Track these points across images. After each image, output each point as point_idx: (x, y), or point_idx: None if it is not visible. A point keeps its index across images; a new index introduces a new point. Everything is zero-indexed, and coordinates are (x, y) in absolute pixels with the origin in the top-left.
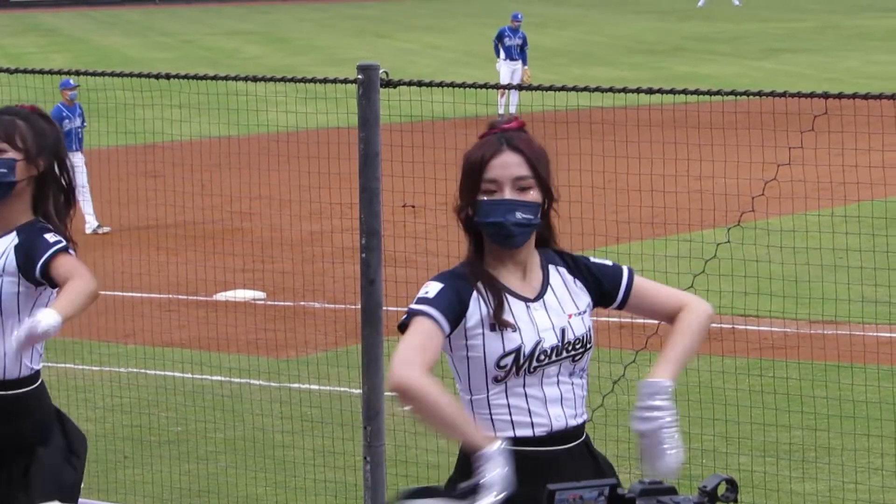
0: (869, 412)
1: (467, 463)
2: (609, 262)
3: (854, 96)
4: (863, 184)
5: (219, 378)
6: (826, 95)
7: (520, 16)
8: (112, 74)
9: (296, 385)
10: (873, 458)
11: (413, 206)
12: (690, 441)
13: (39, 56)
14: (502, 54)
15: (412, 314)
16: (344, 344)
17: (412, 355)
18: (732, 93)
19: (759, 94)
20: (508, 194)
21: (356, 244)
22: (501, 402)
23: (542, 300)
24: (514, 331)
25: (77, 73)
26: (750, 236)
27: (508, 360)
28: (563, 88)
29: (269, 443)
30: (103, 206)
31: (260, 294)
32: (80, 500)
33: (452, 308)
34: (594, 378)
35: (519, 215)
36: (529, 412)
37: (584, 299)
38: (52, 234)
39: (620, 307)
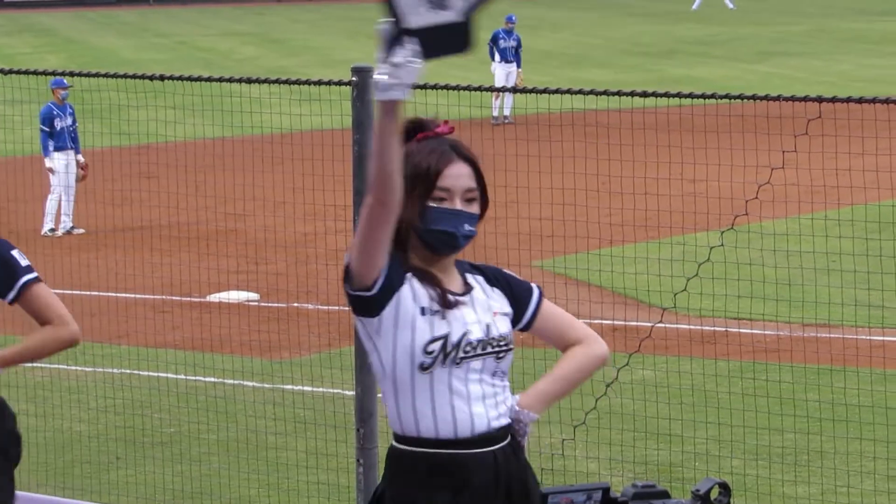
0: (861, 416)
1: (395, 469)
2: (521, 279)
3: (848, 100)
4: (856, 187)
5: (212, 379)
6: (820, 99)
7: (514, 18)
8: (106, 75)
9: (289, 386)
10: (866, 461)
11: None
12: (683, 444)
13: (34, 56)
14: (497, 56)
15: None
16: (337, 346)
17: None
18: (726, 96)
19: (753, 97)
20: (459, 205)
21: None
22: (425, 394)
23: (469, 294)
24: (443, 318)
25: (71, 74)
26: (743, 239)
27: (436, 346)
28: (557, 91)
29: (262, 444)
30: (97, 206)
31: (253, 295)
32: (72, 501)
33: (391, 270)
34: (587, 382)
35: (467, 227)
36: (453, 408)
37: (505, 305)
38: (16, 250)
39: (525, 329)
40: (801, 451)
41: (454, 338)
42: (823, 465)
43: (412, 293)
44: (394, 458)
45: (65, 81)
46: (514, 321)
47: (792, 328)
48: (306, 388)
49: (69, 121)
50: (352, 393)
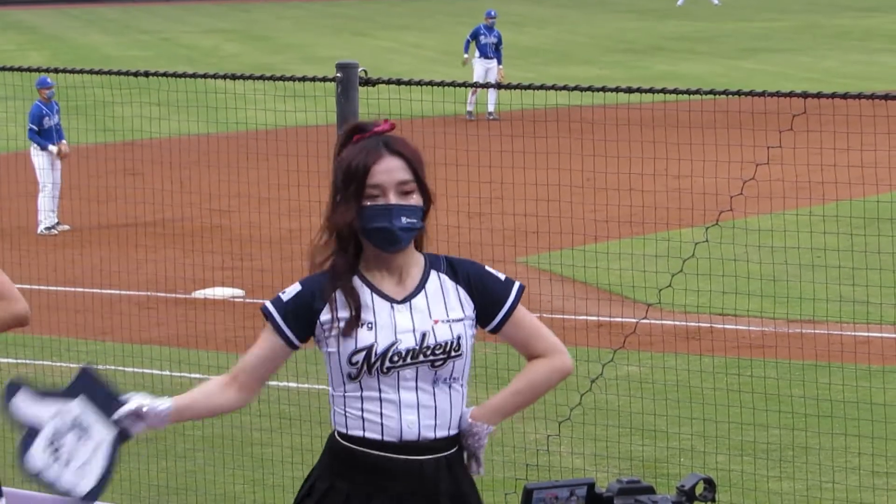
0: (847, 411)
1: (327, 461)
2: (501, 277)
3: (833, 96)
4: (841, 183)
5: (197, 375)
6: (805, 95)
7: (493, 13)
8: (90, 72)
9: (274, 383)
10: (851, 457)
11: None
12: (668, 440)
13: (17, 53)
14: (476, 53)
15: (266, 315)
16: None
17: (236, 368)
18: (711, 92)
19: (738, 93)
20: (393, 199)
21: None
22: (356, 401)
23: (409, 303)
24: (370, 329)
25: (55, 71)
26: (728, 235)
27: (359, 356)
28: (542, 87)
29: (247, 440)
30: (81, 203)
31: (238, 292)
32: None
33: (298, 314)
34: (572, 377)
35: (404, 220)
36: (381, 414)
37: (463, 308)
38: None
39: (493, 332)
40: (786, 446)
41: (380, 348)
42: (808, 461)
43: (334, 310)
44: (329, 446)
45: (48, 80)
46: (484, 322)
47: (777, 324)
48: (291, 385)
49: (56, 118)
50: None
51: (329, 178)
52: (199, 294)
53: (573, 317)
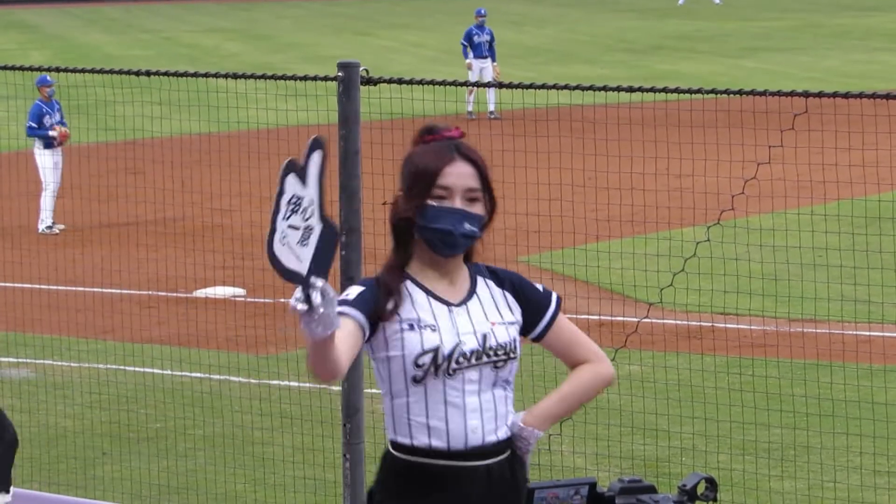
0: (848, 411)
1: (387, 475)
2: (539, 287)
3: (834, 95)
4: (842, 182)
5: (198, 375)
6: (806, 94)
7: (483, 11)
8: (92, 71)
9: (275, 382)
10: (852, 456)
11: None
12: (670, 439)
13: (19, 53)
14: (470, 54)
15: (342, 313)
16: None
17: None
18: (713, 91)
19: (740, 92)
20: (459, 203)
21: None
22: (420, 406)
23: (465, 306)
24: (434, 331)
25: (57, 70)
26: (730, 234)
27: (426, 358)
28: (543, 86)
29: (249, 439)
30: (83, 202)
31: (240, 291)
32: (58, 497)
33: (369, 307)
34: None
35: (467, 226)
36: (446, 420)
37: (513, 312)
38: None
39: (536, 340)
40: (787, 446)
41: (446, 350)
42: (810, 460)
43: (401, 309)
44: (387, 464)
45: (48, 78)
46: (526, 330)
47: (778, 323)
48: (293, 384)
49: (57, 117)
50: (338, 388)
51: (331, 178)
52: (201, 293)
53: (574, 316)
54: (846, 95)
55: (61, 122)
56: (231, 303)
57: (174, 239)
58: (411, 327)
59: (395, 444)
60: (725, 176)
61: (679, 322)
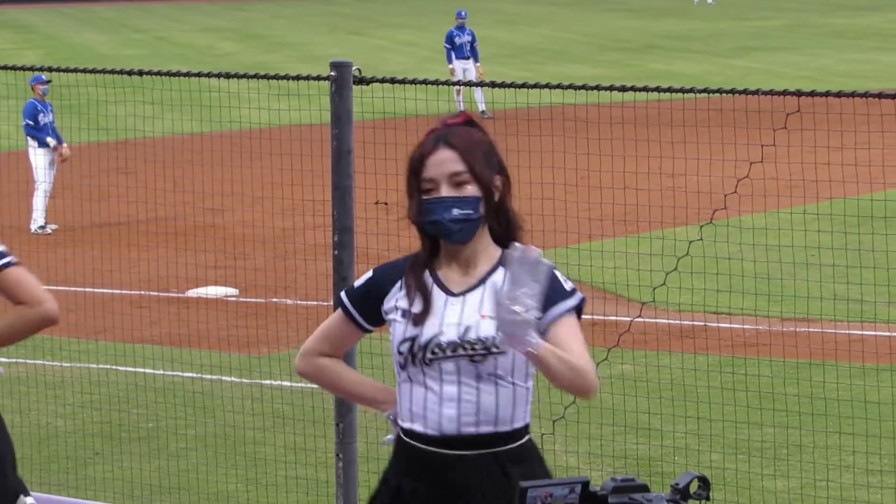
0: (841, 410)
1: (397, 454)
2: (567, 286)
3: (827, 94)
4: (835, 181)
5: (190, 375)
6: (799, 93)
7: (464, 13)
8: (85, 71)
9: (268, 382)
10: (845, 455)
11: (386, 204)
12: (663, 438)
13: (13, 52)
14: (453, 56)
15: (337, 300)
16: None
17: (311, 343)
18: (706, 90)
19: (733, 91)
20: (444, 192)
21: (329, 241)
22: (406, 390)
23: (464, 296)
24: (419, 320)
25: (50, 70)
26: (722, 234)
27: (405, 346)
28: (536, 86)
29: (241, 439)
30: (74, 202)
31: (232, 291)
32: (50, 497)
33: (366, 297)
34: None
35: (455, 212)
36: (425, 406)
37: None
38: None
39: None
40: (780, 445)
41: (423, 339)
42: (802, 459)
43: (395, 298)
44: (395, 448)
45: (43, 77)
46: None
47: (771, 322)
48: (285, 384)
49: (51, 116)
50: None
51: (323, 177)
52: (193, 293)
53: None
54: (839, 95)
55: (53, 124)
56: (223, 303)
57: (166, 239)
58: (403, 315)
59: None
60: (718, 175)
61: (672, 321)
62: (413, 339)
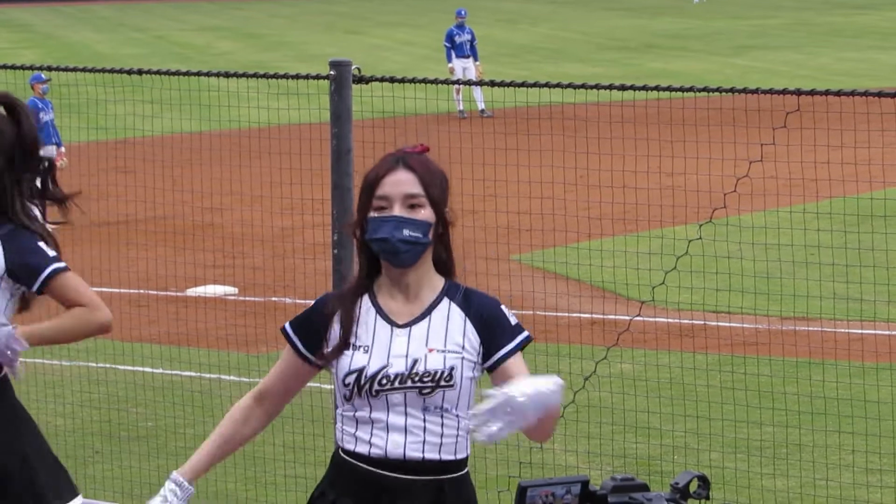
0: (840, 409)
1: (334, 470)
2: (512, 322)
3: (826, 93)
4: (835, 180)
5: (190, 374)
6: (798, 92)
7: (463, 12)
8: (83, 70)
9: None
10: (844, 454)
11: None
12: (662, 437)
13: (10, 51)
14: (453, 55)
15: (284, 332)
16: None
17: (263, 380)
18: (705, 89)
19: (732, 90)
20: (398, 211)
21: (328, 240)
22: (351, 421)
23: (409, 328)
24: (366, 352)
25: (49, 69)
26: (722, 233)
27: (351, 378)
28: (535, 85)
29: None
30: (73, 201)
31: (231, 289)
32: None
33: (309, 327)
34: (565, 375)
35: (406, 232)
36: (371, 434)
37: (466, 341)
38: (43, 241)
39: (490, 371)
40: (779, 444)
41: (370, 371)
42: (802, 458)
43: (334, 330)
44: (332, 464)
45: (43, 76)
46: (483, 359)
47: (770, 321)
48: None
49: (51, 115)
50: (329, 387)
51: (322, 176)
52: (192, 292)
53: (566, 314)
54: (838, 93)
55: (52, 123)
56: (223, 301)
57: (166, 238)
58: (347, 346)
59: (338, 445)
60: (718, 174)
61: (671, 320)
62: (359, 371)
